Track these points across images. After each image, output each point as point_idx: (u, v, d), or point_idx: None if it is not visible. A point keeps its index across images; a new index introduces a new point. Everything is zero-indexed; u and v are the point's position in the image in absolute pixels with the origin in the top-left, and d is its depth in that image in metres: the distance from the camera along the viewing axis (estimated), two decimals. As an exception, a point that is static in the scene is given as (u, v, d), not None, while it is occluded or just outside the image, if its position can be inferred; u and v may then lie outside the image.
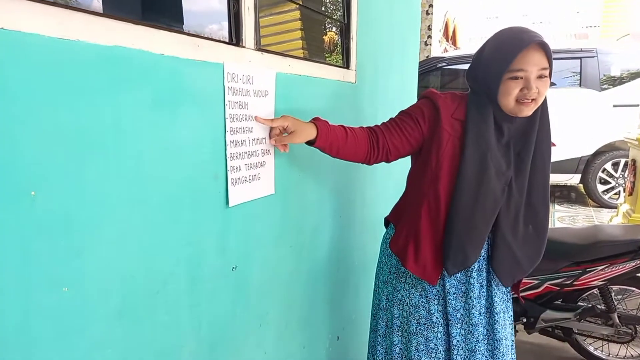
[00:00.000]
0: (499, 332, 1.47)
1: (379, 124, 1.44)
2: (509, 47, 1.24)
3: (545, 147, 1.40)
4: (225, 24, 1.16)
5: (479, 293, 1.46)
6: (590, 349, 2.81)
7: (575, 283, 2.57)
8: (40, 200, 0.72)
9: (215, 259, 1.14)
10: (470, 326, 1.46)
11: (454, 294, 1.46)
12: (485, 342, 1.48)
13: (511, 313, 1.56)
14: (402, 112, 1.44)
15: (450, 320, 1.46)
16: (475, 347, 1.46)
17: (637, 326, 2.65)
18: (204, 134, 1.07)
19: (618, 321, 2.63)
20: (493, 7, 19.19)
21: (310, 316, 1.65)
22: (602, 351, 2.81)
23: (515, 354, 1.56)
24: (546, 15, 20.06)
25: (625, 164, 5.34)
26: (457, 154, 1.35)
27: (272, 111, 1.31)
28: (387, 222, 1.61)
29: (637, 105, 4.45)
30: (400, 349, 1.52)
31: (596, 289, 2.65)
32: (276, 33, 1.53)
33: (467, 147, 1.32)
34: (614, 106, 5.44)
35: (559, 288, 2.61)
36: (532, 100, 1.26)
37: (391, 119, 1.44)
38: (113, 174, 0.85)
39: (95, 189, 0.81)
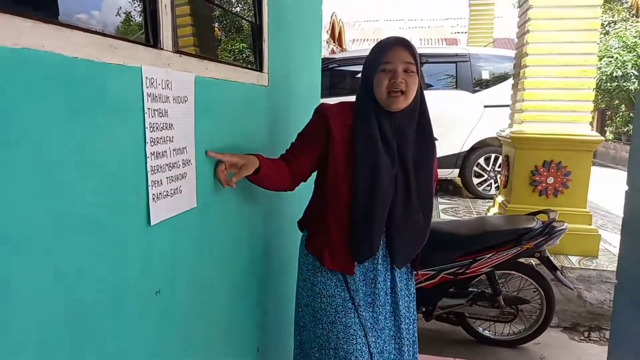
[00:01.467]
0: (401, 309, 1.64)
1: (285, 152, 1.59)
2: (380, 47, 1.48)
3: (428, 142, 1.56)
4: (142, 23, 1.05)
5: (385, 276, 1.61)
6: (480, 329, 3.10)
7: (467, 271, 2.80)
8: None
9: (139, 283, 1.03)
10: (379, 307, 1.60)
11: (363, 280, 1.59)
12: (392, 318, 1.64)
13: (413, 290, 1.73)
14: (300, 135, 1.59)
15: (361, 305, 1.58)
16: (383, 325, 1.62)
17: (518, 306, 2.97)
18: (124, 145, 0.96)
19: (503, 303, 2.91)
20: (373, 11, 20.18)
21: (233, 330, 1.58)
22: (489, 331, 3.10)
23: (417, 328, 1.75)
24: (420, 20, 21.62)
25: (495, 159, 5.96)
26: (350, 158, 1.49)
27: (192, 117, 1.22)
28: (301, 225, 1.72)
29: (505, 106, 4.96)
30: (323, 340, 1.59)
31: (484, 275, 2.91)
32: (187, 35, 1.42)
33: (357, 150, 1.48)
34: (485, 106, 6.02)
35: (453, 277, 2.83)
36: (401, 93, 1.43)
37: (293, 144, 1.60)
38: (25, 196, 0.71)
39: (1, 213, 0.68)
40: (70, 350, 0.83)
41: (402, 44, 1.45)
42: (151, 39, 1.05)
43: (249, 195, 1.65)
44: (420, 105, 1.53)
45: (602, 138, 3.72)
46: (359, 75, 5.64)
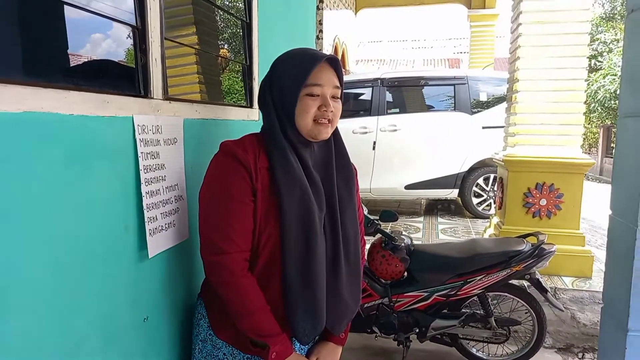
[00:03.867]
0: None
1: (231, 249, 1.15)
2: (302, 63, 1.18)
3: (348, 174, 1.31)
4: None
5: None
6: (473, 350, 3.14)
7: (459, 293, 2.87)
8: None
9: (128, 311, 1.13)
10: None
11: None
12: None
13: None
14: (226, 200, 1.15)
15: None
16: None
17: (510, 327, 3.01)
18: (116, 187, 1.07)
19: (495, 324, 2.97)
20: (376, 33, 20.52)
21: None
22: (483, 352, 3.14)
23: None
24: (423, 41, 21.92)
25: (494, 179, 6.04)
26: (270, 210, 1.17)
27: (181, 157, 1.33)
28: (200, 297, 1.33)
29: (502, 127, 5.06)
30: None
31: (476, 297, 2.98)
32: (180, 77, 1.55)
33: (284, 198, 1.15)
34: (483, 127, 6.13)
35: (445, 298, 2.89)
36: (329, 121, 1.20)
37: (228, 232, 1.14)
38: (24, 237, 0.82)
39: (5, 253, 0.79)
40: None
41: (332, 63, 1.21)
42: (142, 90, 1.17)
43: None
44: (334, 132, 1.28)
45: (593, 161, 3.80)
46: (363, 97, 5.70)
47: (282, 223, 1.15)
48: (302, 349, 1.31)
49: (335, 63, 1.21)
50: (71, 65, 0.99)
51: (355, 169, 1.36)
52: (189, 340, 1.39)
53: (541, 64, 3.74)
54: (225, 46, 1.84)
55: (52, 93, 0.88)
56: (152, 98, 1.20)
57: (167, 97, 1.26)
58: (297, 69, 1.18)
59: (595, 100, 14.28)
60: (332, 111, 1.19)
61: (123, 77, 1.16)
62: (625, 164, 2.19)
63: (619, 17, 15.98)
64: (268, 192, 1.17)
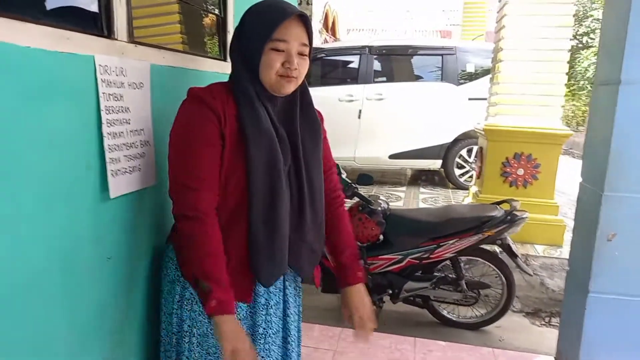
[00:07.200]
0: (292, 334, 1.41)
1: (195, 192, 1.16)
2: (270, 16, 1.17)
3: (314, 126, 1.33)
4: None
5: (278, 299, 1.36)
6: (444, 312, 3.24)
7: (431, 256, 2.94)
8: None
9: (90, 249, 1.15)
10: (271, 336, 1.34)
11: (274, 306, 1.33)
12: (283, 347, 1.40)
13: (301, 309, 1.49)
14: (193, 148, 1.16)
15: (256, 338, 1.30)
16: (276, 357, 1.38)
17: (480, 290, 3.11)
18: (77, 126, 1.07)
19: (465, 287, 3.06)
20: (369, 2, 20.17)
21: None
22: (453, 314, 3.25)
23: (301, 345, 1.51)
24: (416, 12, 21.62)
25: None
26: (238, 156, 1.19)
27: (148, 102, 1.33)
28: (170, 240, 1.34)
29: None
30: None
31: (448, 261, 3.05)
32: (153, 25, 1.53)
33: (251, 146, 1.18)
34: (469, 99, 6.14)
35: (418, 261, 2.96)
36: (294, 78, 1.20)
37: (195, 172, 1.16)
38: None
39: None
40: (18, 306, 0.96)
41: (301, 18, 1.19)
42: (105, 30, 1.17)
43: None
44: (301, 85, 1.28)
45: (571, 132, 3.85)
46: (350, 65, 5.66)
47: (249, 169, 1.18)
48: (267, 292, 1.33)
49: (305, 20, 1.20)
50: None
51: (322, 116, 1.38)
52: (157, 282, 1.42)
53: (526, 33, 3.75)
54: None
55: (9, 23, 0.87)
56: (116, 39, 1.19)
57: (132, 40, 1.26)
58: (265, 22, 1.17)
59: (585, 78, 14.31)
60: (295, 69, 1.19)
61: (86, 16, 1.15)
62: (596, 132, 2.24)
63: (613, -6, 15.82)
64: (235, 139, 1.19)
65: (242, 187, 1.21)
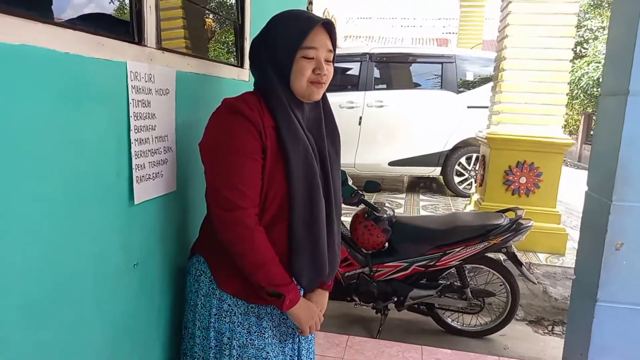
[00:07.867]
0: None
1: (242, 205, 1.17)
2: (300, 25, 1.19)
3: (336, 134, 1.37)
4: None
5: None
6: (449, 320, 3.24)
7: (437, 264, 2.95)
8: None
9: (119, 256, 1.15)
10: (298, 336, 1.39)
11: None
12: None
13: None
14: (238, 163, 1.16)
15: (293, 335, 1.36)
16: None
17: (484, 298, 3.12)
18: (108, 131, 1.07)
19: (470, 295, 3.06)
20: (366, 8, 20.28)
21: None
22: (457, 322, 3.25)
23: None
24: (412, 20, 21.79)
25: (477, 159, 6.13)
26: (279, 168, 1.21)
27: (173, 108, 1.33)
28: (196, 250, 1.35)
29: (487, 107, 5.12)
30: None
31: (453, 269, 3.06)
32: (173, 29, 1.53)
33: (291, 157, 1.20)
34: (468, 107, 6.18)
35: (424, 269, 2.97)
36: (323, 84, 1.24)
37: (241, 189, 1.16)
38: (16, 171, 0.83)
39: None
40: (51, 311, 0.95)
41: (327, 27, 1.22)
42: (136, 37, 1.17)
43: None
44: (323, 95, 1.31)
45: (573, 141, 3.89)
46: (351, 72, 5.65)
47: (290, 181, 1.21)
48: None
49: (330, 27, 1.23)
50: (68, 6, 0.98)
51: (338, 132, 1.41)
52: (180, 289, 1.42)
53: (528, 43, 3.78)
54: (219, 4, 1.83)
55: (48, 29, 0.87)
56: (146, 46, 1.20)
57: (160, 46, 1.26)
58: (295, 30, 1.19)
59: (579, 87, 14.46)
60: (325, 74, 1.22)
61: (118, 23, 1.15)
62: (603, 141, 2.27)
63: (607, 5, 16.08)
64: (275, 149, 1.21)
65: (280, 197, 1.23)
